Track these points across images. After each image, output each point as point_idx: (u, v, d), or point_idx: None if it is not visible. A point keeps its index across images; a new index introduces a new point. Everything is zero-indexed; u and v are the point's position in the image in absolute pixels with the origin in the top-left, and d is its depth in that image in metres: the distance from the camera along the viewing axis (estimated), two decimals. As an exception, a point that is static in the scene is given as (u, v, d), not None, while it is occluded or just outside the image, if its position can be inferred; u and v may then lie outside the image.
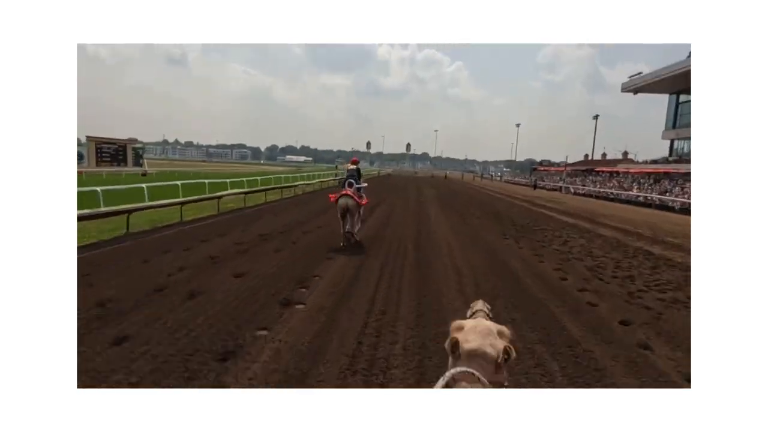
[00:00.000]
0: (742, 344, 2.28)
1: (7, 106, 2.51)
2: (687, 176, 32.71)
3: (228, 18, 3.03)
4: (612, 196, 34.15)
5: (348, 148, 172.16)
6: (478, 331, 1.51)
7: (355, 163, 9.78)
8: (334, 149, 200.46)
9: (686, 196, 26.57)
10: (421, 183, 43.38)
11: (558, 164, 61.57)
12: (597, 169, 46.08)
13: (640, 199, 30.33)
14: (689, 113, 41.86)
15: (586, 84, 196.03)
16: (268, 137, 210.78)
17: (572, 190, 37.91)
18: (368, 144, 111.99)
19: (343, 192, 8.83)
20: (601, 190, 37.17)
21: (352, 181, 9.09)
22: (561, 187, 42.49)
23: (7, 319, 2.34)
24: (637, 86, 42.60)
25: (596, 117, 53.76)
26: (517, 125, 73.57)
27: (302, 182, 27.83)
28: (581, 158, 62.25)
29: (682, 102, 42.32)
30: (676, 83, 39.68)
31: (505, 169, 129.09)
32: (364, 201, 9.48)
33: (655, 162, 43.77)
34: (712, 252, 2.39)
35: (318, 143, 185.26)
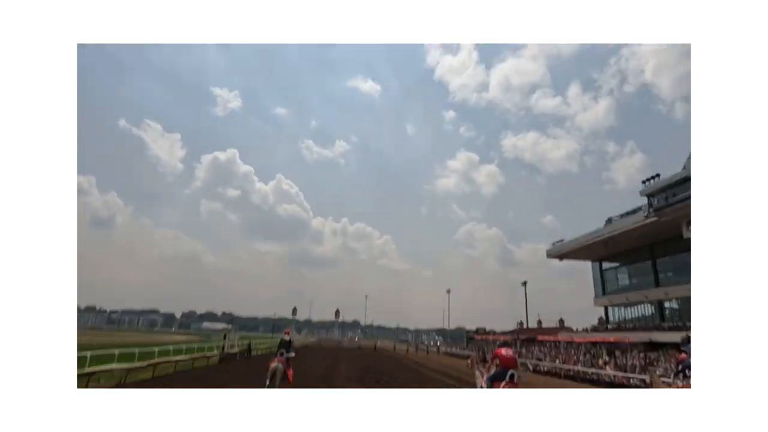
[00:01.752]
0: (740, 347, 2.48)
1: (6, 106, 2.63)
2: (648, 346, 29.29)
3: (228, 18, 3.22)
4: (592, 377, 24.88)
5: (274, 315, 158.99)
6: None
7: (287, 334, 11.07)
8: (259, 316, 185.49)
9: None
10: (341, 362, 31.27)
11: (494, 332, 57.48)
12: (540, 338, 42.04)
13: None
14: (615, 279, 41.71)
15: (498, 259, 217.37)
16: (186, 303, 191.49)
17: (530, 367, 32.01)
18: (294, 310, 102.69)
19: (276, 359, 10.33)
20: (572, 367, 27.68)
21: (284, 351, 10.51)
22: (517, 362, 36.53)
23: (9, 321, 2.46)
24: (561, 252, 42.65)
25: (525, 283, 52.59)
26: (448, 291, 71.33)
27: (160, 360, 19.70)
28: (513, 325, 59.26)
29: (606, 269, 42.52)
30: (595, 251, 40.20)
31: (437, 338, 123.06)
32: (290, 371, 10.55)
33: (596, 330, 41.03)
34: (712, 252, 2.63)
35: (242, 310, 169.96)
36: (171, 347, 22.02)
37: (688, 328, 29.78)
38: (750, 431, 2.44)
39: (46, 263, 2.63)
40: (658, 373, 13.84)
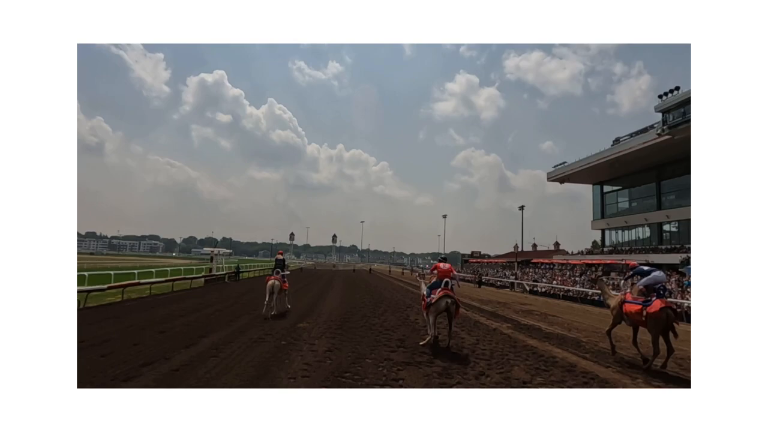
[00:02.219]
0: (739, 347, 2.47)
1: (7, 106, 2.64)
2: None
3: (227, 18, 3.25)
4: (593, 297, 23.48)
5: (272, 240, 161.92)
6: None
7: (281, 254, 13.16)
8: (259, 241, 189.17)
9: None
10: (329, 284, 30.08)
11: (488, 256, 58.09)
12: (535, 261, 42.15)
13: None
14: (615, 203, 40.91)
15: (495, 186, 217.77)
16: (185, 229, 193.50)
17: (527, 288, 32.03)
18: (291, 236, 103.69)
19: (272, 277, 11.78)
20: (571, 288, 27.27)
21: (279, 269, 12.20)
22: (513, 283, 35.96)
23: (9, 321, 2.47)
24: (563, 175, 41.27)
25: (522, 207, 51.87)
26: (444, 216, 71.02)
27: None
28: (508, 249, 59.80)
29: (607, 192, 41.51)
30: (598, 174, 38.83)
31: (433, 262, 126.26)
32: (286, 285, 12.42)
33: (591, 253, 41.07)
34: (712, 253, 2.65)
35: (241, 236, 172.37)
36: (154, 270, 21.88)
37: (687, 250, 29.50)
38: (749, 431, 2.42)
39: (45, 264, 2.59)
40: (609, 284, 13.55)
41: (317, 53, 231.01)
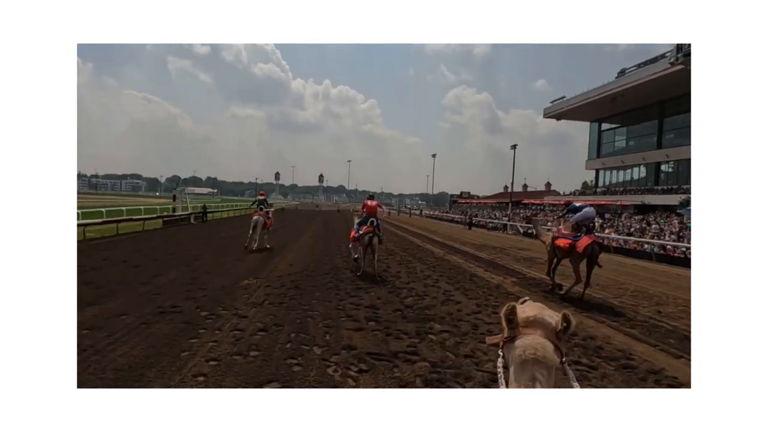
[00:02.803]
0: (740, 346, 2.38)
1: (7, 105, 2.63)
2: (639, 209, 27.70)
3: (227, 18, 3.20)
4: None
5: (257, 180, 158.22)
6: (533, 305, 1.52)
7: (262, 194, 13.88)
8: (245, 181, 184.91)
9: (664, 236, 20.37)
10: (306, 226, 26.77)
11: (477, 197, 56.53)
12: (524, 201, 40.60)
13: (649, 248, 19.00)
14: (612, 142, 38.72)
15: (486, 126, 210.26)
16: (169, 168, 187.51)
17: (520, 230, 30.23)
18: (276, 175, 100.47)
19: (257, 213, 12.87)
20: (565, 232, 26.10)
21: (263, 206, 13.08)
22: (505, 225, 33.69)
23: (8, 319, 2.44)
24: (561, 111, 38.50)
25: (514, 146, 49.40)
26: (433, 155, 68.46)
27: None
28: (498, 191, 58.22)
29: (605, 130, 39.14)
30: (597, 110, 36.18)
31: (420, 202, 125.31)
32: (269, 221, 13.34)
33: (583, 194, 39.55)
34: (712, 255, 2.53)
35: (227, 175, 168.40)
36: (124, 209, 20.49)
37: (685, 191, 27.98)
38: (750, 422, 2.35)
39: (45, 266, 2.60)
40: (541, 223, 14.25)
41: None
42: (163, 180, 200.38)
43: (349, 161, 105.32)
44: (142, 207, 23.66)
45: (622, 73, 31.72)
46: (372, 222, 8.66)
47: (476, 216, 40.90)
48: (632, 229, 22.39)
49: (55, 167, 2.74)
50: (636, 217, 25.94)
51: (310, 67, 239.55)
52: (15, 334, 2.43)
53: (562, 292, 7.99)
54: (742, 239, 2.53)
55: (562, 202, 37.01)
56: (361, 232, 8.73)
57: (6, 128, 2.61)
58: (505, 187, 54.92)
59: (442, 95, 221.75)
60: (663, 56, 27.23)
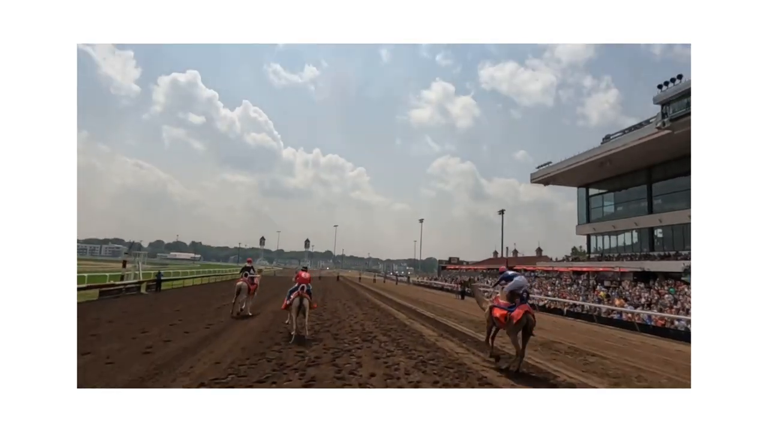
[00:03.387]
0: (740, 348, 2.51)
1: (7, 105, 2.65)
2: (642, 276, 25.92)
3: (226, 18, 3.26)
4: (609, 315, 18.91)
5: (239, 244, 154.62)
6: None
7: (249, 262, 14.27)
8: (230, 246, 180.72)
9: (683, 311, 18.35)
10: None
11: (467, 263, 54.58)
12: (516, 267, 38.71)
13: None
14: (601, 207, 38.07)
15: (470, 193, 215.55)
16: (154, 233, 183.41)
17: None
18: (262, 240, 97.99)
19: (240, 279, 13.18)
20: (578, 302, 22.58)
21: (247, 272, 13.40)
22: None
23: (10, 321, 2.49)
24: (548, 176, 38.12)
25: (502, 212, 48.66)
26: (421, 220, 67.44)
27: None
28: (486, 256, 56.54)
29: (593, 195, 38.65)
30: (585, 175, 35.89)
31: (408, 268, 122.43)
32: (254, 286, 13.64)
33: (576, 259, 37.99)
34: (712, 256, 2.65)
35: (213, 240, 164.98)
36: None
37: (684, 257, 26.54)
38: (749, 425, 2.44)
39: (46, 264, 2.58)
40: (481, 288, 13.61)
41: (293, 56, 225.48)
42: (146, 245, 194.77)
43: (335, 226, 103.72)
44: (86, 274, 20.06)
45: (606, 138, 31.73)
46: (303, 288, 9.55)
47: (466, 284, 38.44)
48: (642, 300, 20.37)
49: (54, 166, 2.68)
50: (639, 285, 24.08)
51: (301, 136, 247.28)
52: (17, 337, 2.47)
53: (498, 363, 7.72)
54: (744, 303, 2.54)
55: (555, 269, 35.18)
56: (291, 297, 9.41)
57: (5, 128, 2.60)
58: (495, 253, 53.31)
59: (428, 164, 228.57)
60: (648, 122, 27.26)
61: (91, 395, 2.64)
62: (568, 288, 27.35)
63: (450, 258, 56.21)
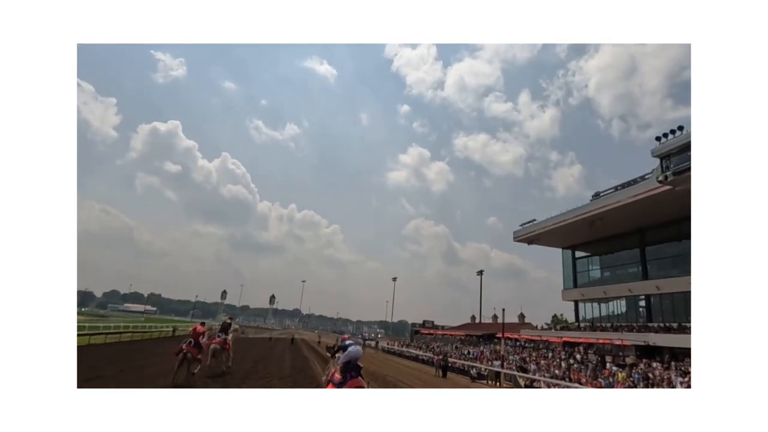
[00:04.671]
0: (739, 349, 2.51)
1: (7, 105, 2.65)
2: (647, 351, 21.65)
3: (226, 18, 3.26)
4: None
5: (206, 300, 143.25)
6: None
7: (230, 319, 14.91)
8: (192, 299, 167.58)
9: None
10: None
11: (442, 327, 49.24)
12: (499, 336, 33.95)
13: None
14: (587, 271, 34.71)
15: (444, 256, 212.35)
16: (112, 282, 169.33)
17: (521, 382, 22.29)
18: (223, 294, 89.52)
19: (214, 341, 12.64)
20: (594, 381, 18.53)
21: (221, 333, 13.23)
22: (498, 373, 23.25)
23: (10, 321, 2.48)
24: (532, 234, 34.86)
25: (481, 272, 44.70)
26: (394, 279, 62.46)
27: None
28: (461, 321, 51.50)
29: (579, 258, 35.40)
30: (572, 236, 32.86)
31: (379, 331, 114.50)
32: (227, 346, 13.23)
33: (566, 328, 33.66)
34: (713, 256, 2.62)
35: (174, 293, 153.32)
36: None
37: (684, 330, 22.76)
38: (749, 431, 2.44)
39: (44, 264, 2.57)
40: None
41: (276, 114, 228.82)
42: (99, 294, 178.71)
43: (303, 281, 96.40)
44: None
45: (596, 196, 29.08)
46: (190, 342, 10.07)
47: (450, 355, 32.14)
48: (668, 378, 15.95)
49: (55, 166, 2.70)
50: (654, 363, 19.76)
51: (278, 191, 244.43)
52: (17, 337, 2.45)
53: None
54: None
55: (543, 338, 30.64)
56: (180, 346, 9.98)
57: (5, 128, 2.60)
58: (473, 317, 48.43)
59: (403, 225, 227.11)
60: (643, 178, 24.75)
61: (91, 395, 2.60)
62: (573, 364, 22.68)
63: (424, 321, 50.67)
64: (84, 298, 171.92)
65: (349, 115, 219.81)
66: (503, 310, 32.89)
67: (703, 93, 2.75)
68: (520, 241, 36.59)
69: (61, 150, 2.71)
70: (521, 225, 36.46)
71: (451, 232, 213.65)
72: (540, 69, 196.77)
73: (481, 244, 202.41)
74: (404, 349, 36.51)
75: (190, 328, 11.52)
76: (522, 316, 42.78)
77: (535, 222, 34.42)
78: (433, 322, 50.12)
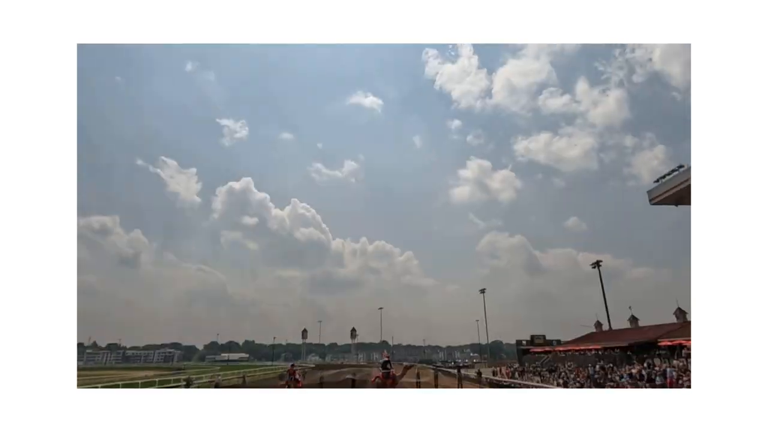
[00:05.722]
0: (739, 349, 2.44)
1: (7, 105, 2.61)
2: None
3: (226, 18, 3.20)
4: None
5: (294, 341, 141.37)
6: None
7: (386, 356, 13.73)
8: (283, 342, 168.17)
9: None
10: None
11: (558, 342, 37.50)
12: (662, 343, 22.36)
13: None
14: None
15: (526, 267, 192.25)
16: (212, 335, 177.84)
17: None
18: (304, 333, 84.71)
19: (379, 376, 12.67)
20: None
21: (385, 366, 12.93)
22: None
23: (10, 322, 2.46)
24: (678, 189, 23.33)
25: (597, 264, 33.19)
26: (482, 290, 51.89)
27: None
28: (569, 332, 39.29)
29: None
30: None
31: (472, 355, 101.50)
32: (390, 380, 12.77)
33: None
34: (713, 255, 2.53)
35: (266, 338, 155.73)
36: None
37: None
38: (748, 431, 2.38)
39: (46, 265, 2.54)
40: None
41: (333, 154, 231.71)
42: (200, 347, 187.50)
43: (380, 308, 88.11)
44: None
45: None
46: (291, 379, 13.62)
47: (603, 377, 20.94)
48: None
49: (55, 165, 2.70)
50: None
51: (347, 227, 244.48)
52: (18, 337, 2.46)
53: None
54: None
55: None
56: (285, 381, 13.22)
57: (6, 128, 2.59)
58: (598, 324, 36.18)
59: (476, 242, 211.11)
60: None
61: (91, 395, 2.59)
62: None
63: (533, 337, 39.17)
64: (188, 352, 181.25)
65: (401, 141, 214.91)
66: (630, 312, 21.59)
67: (703, 93, 2.71)
68: (660, 202, 25.09)
69: (61, 150, 2.67)
70: (655, 181, 25.12)
71: (528, 240, 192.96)
72: (593, 53, 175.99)
73: (565, 249, 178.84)
74: (518, 380, 25.19)
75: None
76: (634, 319, 30.60)
77: (683, 168, 23.02)
78: (544, 336, 38.51)
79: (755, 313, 2.44)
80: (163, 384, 25.97)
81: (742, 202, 2.55)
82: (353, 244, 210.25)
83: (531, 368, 28.87)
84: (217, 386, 24.16)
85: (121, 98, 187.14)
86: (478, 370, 21.77)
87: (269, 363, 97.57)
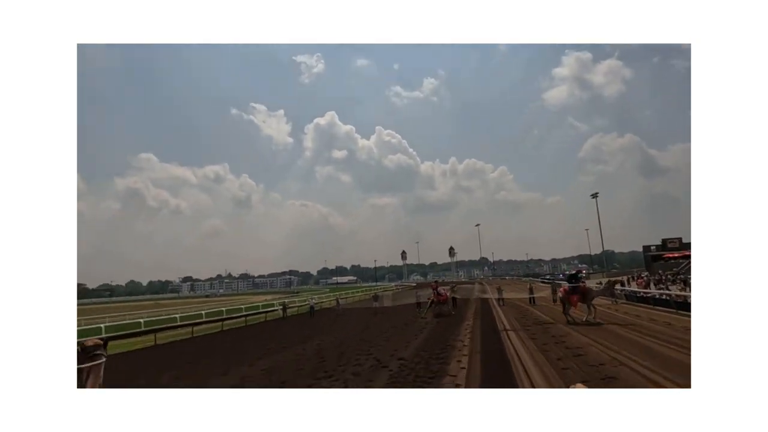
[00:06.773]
0: (739, 348, 2.30)
1: (7, 105, 2.50)
2: None
3: (226, 19, 3.05)
4: None
5: (383, 263, 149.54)
6: None
7: (438, 283, 21.72)
8: (383, 264, 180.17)
9: None
10: None
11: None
12: None
13: None
14: None
15: (640, 170, 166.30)
16: (321, 262, 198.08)
17: None
18: (403, 254, 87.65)
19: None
20: None
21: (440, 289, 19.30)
22: None
23: (11, 322, 2.37)
24: None
25: None
26: (593, 195, 46.32)
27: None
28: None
29: None
30: None
31: (581, 266, 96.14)
32: (443, 297, 19.02)
33: None
34: (713, 254, 2.39)
35: (368, 262, 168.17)
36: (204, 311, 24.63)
37: None
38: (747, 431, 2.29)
39: (46, 261, 2.46)
40: None
41: (410, 74, 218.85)
42: (315, 273, 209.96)
43: (477, 225, 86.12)
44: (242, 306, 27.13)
45: None
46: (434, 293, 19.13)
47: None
48: None
49: (55, 165, 2.56)
50: None
51: (434, 149, 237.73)
52: (17, 336, 2.37)
53: None
54: None
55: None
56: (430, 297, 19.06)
57: (5, 129, 2.49)
58: None
59: (578, 148, 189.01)
60: None
61: (91, 395, 2.54)
62: None
63: (664, 241, 33.96)
64: (305, 278, 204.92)
65: (483, 46, 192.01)
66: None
67: (704, 93, 2.68)
68: None
69: (62, 151, 2.64)
70: None
71: (642, 139, 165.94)
72: None
73: (687, 143, 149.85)
74: (671, 291, 19.38)
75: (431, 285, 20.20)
76: None
77: None
78: (680, 239, 33.06)
79: (757, 310, 2.37)
80: (267, 307, 29.15)
81: (742, 202, 2.51)
82: (442, 165, 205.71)
83: (670, 276, 24.96)
84: (311, 309, 26.86)
85: (198, 58, 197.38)
86: (611, 280, 18.59)
87: (374, 283, 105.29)
